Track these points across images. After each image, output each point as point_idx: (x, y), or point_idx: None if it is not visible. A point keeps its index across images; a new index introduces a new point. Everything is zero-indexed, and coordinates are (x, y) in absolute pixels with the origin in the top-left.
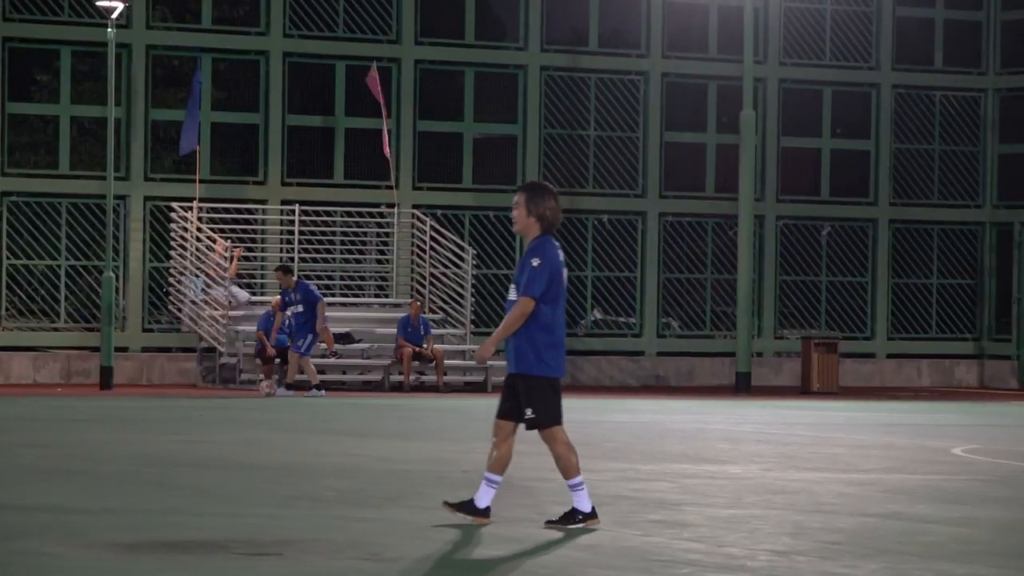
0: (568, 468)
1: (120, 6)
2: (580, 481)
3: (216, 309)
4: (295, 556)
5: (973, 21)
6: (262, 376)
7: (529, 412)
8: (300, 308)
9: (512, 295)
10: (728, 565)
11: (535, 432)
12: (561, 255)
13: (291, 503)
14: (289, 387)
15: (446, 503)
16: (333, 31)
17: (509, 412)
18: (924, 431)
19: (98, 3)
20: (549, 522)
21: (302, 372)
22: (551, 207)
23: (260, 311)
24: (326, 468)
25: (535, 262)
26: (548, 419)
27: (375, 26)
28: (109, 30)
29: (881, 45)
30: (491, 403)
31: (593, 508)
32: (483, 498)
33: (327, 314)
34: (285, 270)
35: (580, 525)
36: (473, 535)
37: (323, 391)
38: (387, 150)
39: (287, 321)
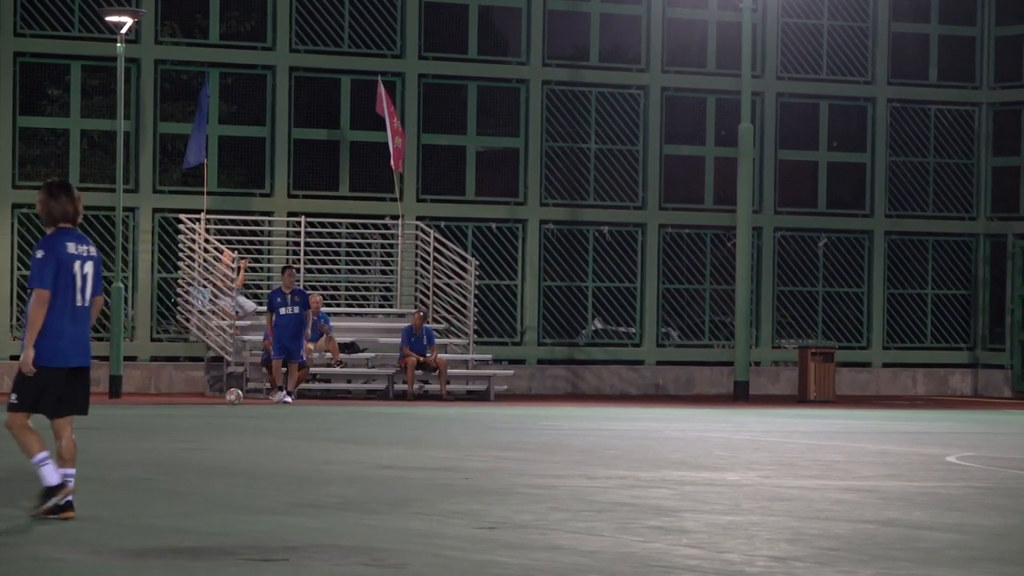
0: (70, 455)
1: (129, 21)
2: (46, 456)
3: (223, 319)
4: (300, 562)
5: (967, 36)
6: (268, 385)
7: (13, 398)
8: (296, 310)
9: None
10: (727, 571)
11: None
12: (81, 248)
13: (296, 510)
14: (290, 394)
15: (37, 507)
16: (339, 46)
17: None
18: (919, 439)
19: (108, 19)
20: (33, 510)
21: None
22: (59, 203)
23: (265, 320)
24: (331, 475)
25: (39, 254)
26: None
27: (380, 41)
28: (119, 45)
29: (877, 60)
30: (493, 411)
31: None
32: (50, 477)
33: (332, 324)
34: (293, 272)
35: (54, 501)
36: (475, 541)
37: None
38: (394, 164)
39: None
